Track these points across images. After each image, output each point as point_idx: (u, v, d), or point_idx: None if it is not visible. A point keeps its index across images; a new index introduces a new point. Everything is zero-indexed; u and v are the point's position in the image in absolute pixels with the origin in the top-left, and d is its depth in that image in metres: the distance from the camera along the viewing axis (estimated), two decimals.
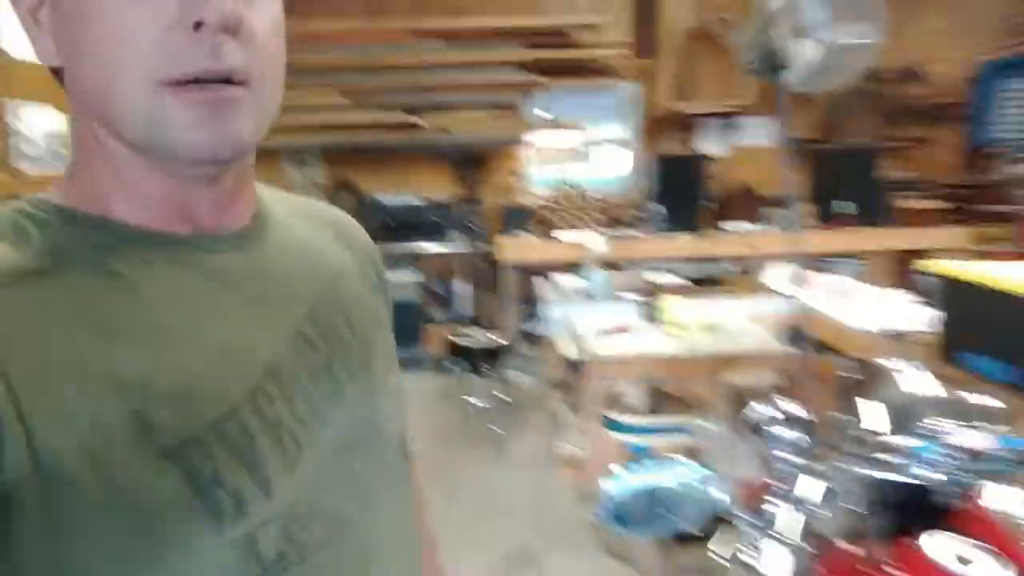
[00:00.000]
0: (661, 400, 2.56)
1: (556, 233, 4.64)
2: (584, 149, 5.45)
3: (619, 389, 2.59)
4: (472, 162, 5.12)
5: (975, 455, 1.03)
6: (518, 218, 4.88)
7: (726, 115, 5.12)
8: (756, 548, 0.80)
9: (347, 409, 0.56)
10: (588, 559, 2.50)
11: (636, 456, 0.94)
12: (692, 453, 1.11)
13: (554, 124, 4.94)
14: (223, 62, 0.44)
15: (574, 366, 2.40)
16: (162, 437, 0.43)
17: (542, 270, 4.23)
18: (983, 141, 4.57)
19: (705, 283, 4.53)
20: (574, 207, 4.80)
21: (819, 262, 4.74)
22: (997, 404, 1.23)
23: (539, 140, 5.27)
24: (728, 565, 0.81)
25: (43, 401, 0.40)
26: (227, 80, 0.45)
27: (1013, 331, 1.82)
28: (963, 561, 0.87)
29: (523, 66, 4.61)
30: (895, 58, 4.93)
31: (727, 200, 4.93)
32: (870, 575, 0.93)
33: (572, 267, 4.17)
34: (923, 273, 2.21)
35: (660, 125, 5.08)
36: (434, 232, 4.74)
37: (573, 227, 4.73)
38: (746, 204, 4.92)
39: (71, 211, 0.49)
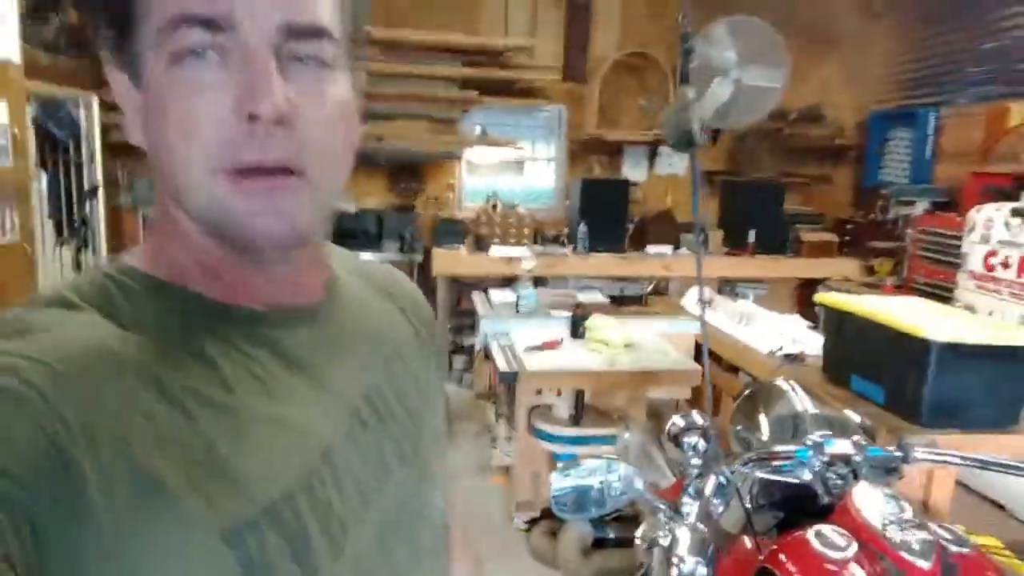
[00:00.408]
0: (586, 412, 2.77)
1: (489, 247, 4.83)
2: (516, 166, 5.67)
3: (548, 401, 2.79)
4: (407, 173, 5.24)
5: (846, 461, 1.27)
6: (452, 231, 5.04)
7: (647, 143, 5.45)
8: (672, 535, 0.98)
9: (393, 493, 0.56)
10: (516, 564, 2.64)
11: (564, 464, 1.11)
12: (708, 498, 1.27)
13: (488, 140, 5.13)
14: (274, 154, 0.46)
15: (506, 378, 2.58)
16: (222, 519, 0.44)
17: (475, 283, 4.40)
18: (873, 182, 5.06)
19: (625, 301, 4.82)
20: (506, 222, 5.00)
21: (727, 286, 5.14)
22: (866, 420, 1.50)
23: (473, 155, 5.45)
24: (645, 547, 1.00)
25: (118, 465, 0.40)
26: (282, 169, 0.47)
27: (883, 357, 2.12)
28: (836, 549, 1.07)
29: (460, 82, 4.78)
30: (798, 101, 5.40)
31: (648, 223, 5.25)
32: (760, 563, 1.14)
33: (504, 281, 4.37)
34: (819, 303, 2.51)
35: (586, 148, 5.35)
36: (368, 241, 4.81)
37: (504, 242, 4.94)
38: (665, 228, 5.26)
39: (155, 281, 0.50)
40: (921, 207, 4.50)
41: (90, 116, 3.64)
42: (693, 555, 0.96)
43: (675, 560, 0.95)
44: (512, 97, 5.03)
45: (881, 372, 2.15)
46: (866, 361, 2.22)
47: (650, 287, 5.05)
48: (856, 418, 1.48)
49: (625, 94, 5.40)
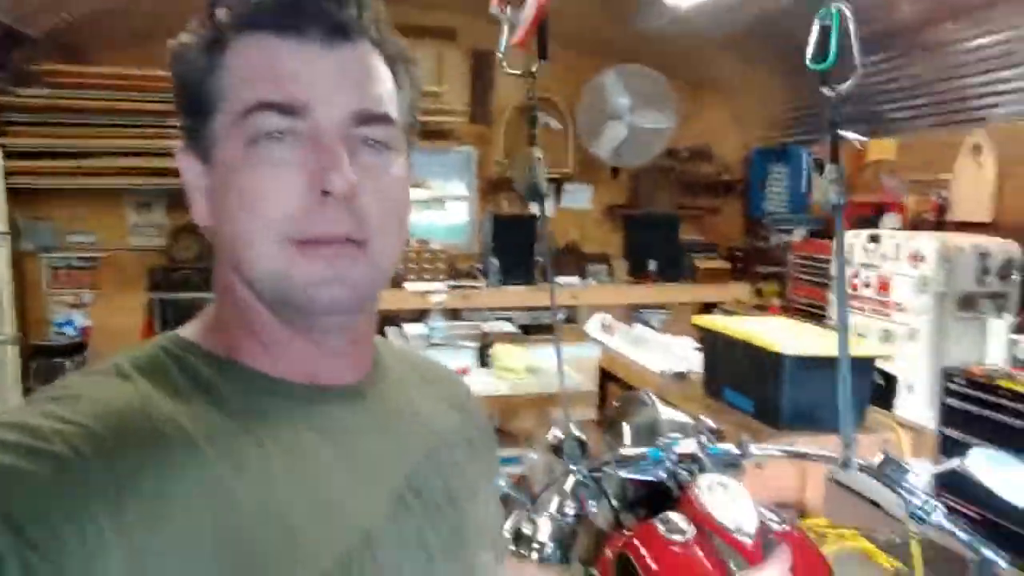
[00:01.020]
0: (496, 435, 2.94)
1: (404, 283, 4.98)
2: (434, 204, 5.86)
3: None
4: None
5: (693, 459, 1.48)
6: None
7: (552, 180, 5.75)
8: (534, 525, 1.16)
9: None
10: None
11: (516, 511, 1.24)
12: (523, 479, 1.42)
13: None
14: (341, 228, 0.49)
15: None
16: None
17: (391, 318, 4.54)
18: (757, 213, 5.51)
19: (537, 330, 5.05)
20: (420, 258, 5.17)
21: (633, 312, 5.45)
22: (714, 423, 1.73)
23: None
24: (512, 537, 1.17)
25: (147, 541, 0.40)
26: (346, 239, 0.50)
27: (748, 371, 2.39)
28: (679, 532, 1.27)
29: None
30: (689, 140, 5.83)
31: (556, 256, 5.53)
32: (619, 550, 1.33)
33: (419, 315, 4.52)
34: (695, 325, 2.78)
35: (495, 186, 5.60)
36: None
37: (420, 277, 5.10)
38: (572, 260, 5.55)
39: (206, 353, 0.52)
40: (799, 234, 4.94)
41: None
42: (551, 540, 1.14)
43: (536, 546, 1.13)
44: (423, 139, 5.22)
45: (748, 384, 2.42)
46: (735, 375, 2.50)
47: (561, 315, 5.31)
48: (708, 422, 1.71)
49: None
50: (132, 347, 0.52)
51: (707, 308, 5.26)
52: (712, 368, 2.66)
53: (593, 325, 4.08)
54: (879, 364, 3.69)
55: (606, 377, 3.42)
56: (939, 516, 1.32)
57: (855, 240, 3.83)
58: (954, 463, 1.39)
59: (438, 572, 0.55)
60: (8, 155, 4.04)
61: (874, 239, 3.72)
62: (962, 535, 1.29)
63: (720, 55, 4.95)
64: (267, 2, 0.49)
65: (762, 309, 4.98)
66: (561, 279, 5.31)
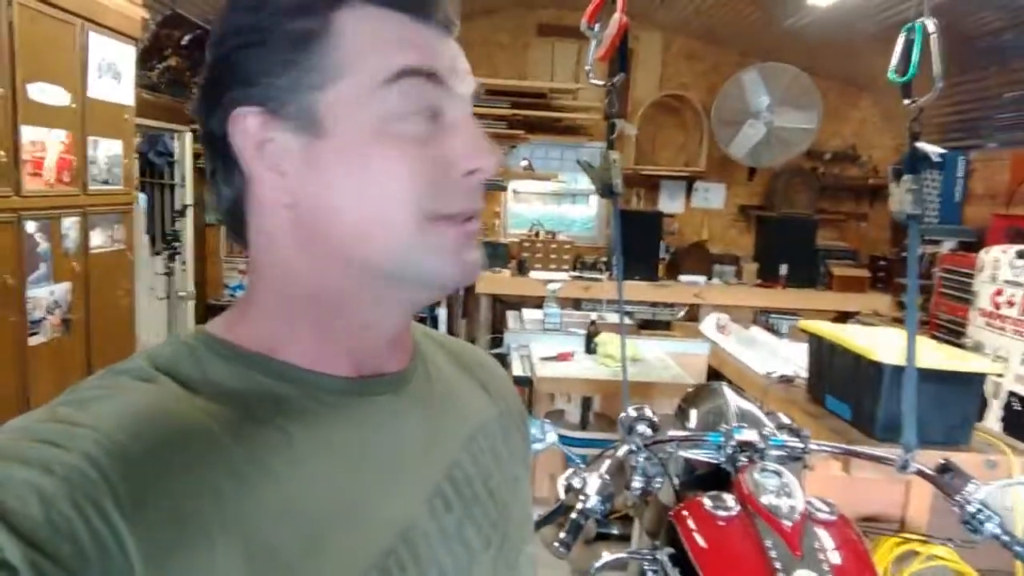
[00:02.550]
0: (596, 419, 3.09)
1: (529, 271, 5.22)
2: (563, 197, 6.06)
3: (560, 407, 3.13)
4: None
5: (754, 448, 1.56)
6: (496, 254, 5.44)
7: (684, 178, 5.75)
8: (584, 480, 1.32)
9: None
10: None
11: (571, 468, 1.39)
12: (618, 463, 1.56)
13: (533, 174, 5.54)
14: (478, 204, 0.50)
15: (520, 381, 2.94)
16: None
17: (516, 303, 4.79)
18: None
19: (655, 325, 5.11)
20: (547, 248, 5.39)
21: (761, 316, 5.35)
22: (797, 424, 1.78)
23: (520, 186, 5.87)
24: (564, 487, 1.33)
25: (171, 547, 0.38)
26: (475, 218, 0.50)
27: (848, 378, 2.38)
28: (724, 509, 1.38)
29: (508, 121, 5.21)
30: (836, 141, 5.60)
31: (682, 254, 5.53)
32: (669, 519, 1.45)
33: (541, 302, 4.73)
34: (802, 331, 2.77)
35: (626, 181, 5.68)
36: None
37: (545, 267, 5.32)
38: (699, 259, 5.53)
39: (241, 349, 0.48)
40: (948, 246, 4.64)
41: (183, 146, 4.23)
42: (596, 494, 1.29)
43: (582, 498, 1.29)
44: (557, 135, 5.43)
45: (847, 392, 2.40)
46: (837, 382, 2.48)
47: (682, 313, 5.33)
48: (783, 418, 1.77)
49: (662, 132, 5.74)
50: (158, 345, 0.49)
51: (843, 317, 5.06)
52: (816, 373, 2.65)
53: (708, 324, 4.09)
54: (1021, 391, 3.45)
55: (715, 376, 3.46)
56: (994, 527, 1.33)
57: (1002, 255, 3.58)
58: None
59: (479, 567, 0.54)
60: (197, 138, 4.68)
61: (1022, 255, 3.46)
62: (1019, 548, 1.30)
63: (873, 52, 4.72)
64: None
65: (902, 322, 4.73)
66: (685, 277, 5.31)
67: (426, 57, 0.47)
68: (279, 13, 0.47)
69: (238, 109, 0.47)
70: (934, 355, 2.30)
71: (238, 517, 0.41)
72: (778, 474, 1.45)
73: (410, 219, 0.47)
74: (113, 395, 0.43)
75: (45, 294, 2.37)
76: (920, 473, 1.45)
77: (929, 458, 1.54)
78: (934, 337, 3.88)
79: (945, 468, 1.42)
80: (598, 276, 5.11)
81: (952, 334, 4.14)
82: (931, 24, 1.31)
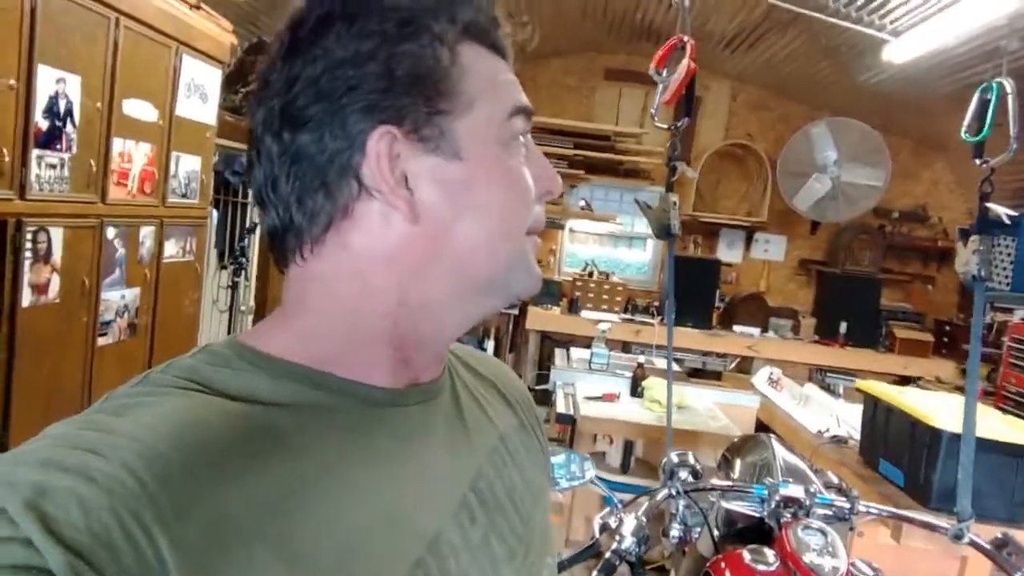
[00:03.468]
0: (637, 464, 3.05)
1: (580, 310, 5.22)
2: (614, 239, 6.06)
3: (601, 449, 3.09)
4: None
5: (799, 504, 1.52)
6: (549, 292, 5.46)
7: (744, 227, 5.69)
8: (620, 520, 1.31)
9: None
10: None
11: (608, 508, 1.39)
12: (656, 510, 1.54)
13: (591, 214, 5.57)
14: (545, 222, 0.57)
15: (562, 419, 2.92)
16: None
17: (565, 341, 4.78)
18: None
19: (704, 374, 5.02)
20: (600, 289, 5.38)
21: (816, 373, 5.21)
22: (845, 483, 1.73)
23: (577, 225, 5.90)
24: (599, 525, 1.32)
25: (210, 560, 0.39)
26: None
27: (904, 443, 2.29)
28: (764, 564, 1.35)
29: (569, 160, 5.28)
30: (905, 200, 5.47)
31: (737, 303, 5.45)
32: (705, 570, 1.42)
33: (589, 342, 4.72)
34: (859, 390, 2.69)
35: (684, 227, 5.66)
36: None
37: (597, 307, 5.31)
38: (754, 310, 5.44)
39: (266, 357, 0.49)
40: (1020, 315, 4.45)
41: None
42: (631, 535, 1.28)
43: (617, 538, 1.28)
44: (617, 177, 5.46)
45: (902, 457, 2.31)
46: (891, 446, 2.39)
47: (733, 364, 5.23)
48: (832, 477, 1.72)
49: (725, 180, 5.71)
50: (192, 353, 0.50)
51: (903, 382, 4.88)
52: (870, 436, 2.56)
53: (760, 377, 4.01)
54: None
55: (764, 431, 3.37)
56: None
57: None
58: None
59: None
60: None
61: None
62: None
63: (948, 113, 4.63)
64: (483, 20, 0.53)
65: (964, 391, 4.52)
66: (739, 328, 5.22)
67: (525, 97, 0.54)
68: (409, 40, 0.49)
69: (380, 127, 0.48)
70: (998, 426, 2.20)
71: (277, 528, 0.41)
72: (822, 533, 1.41)
73: (522, 233, 0.53)
74: (150, 403, 0.44)
75: (116, 297, 2.49)
76: (974, 545, 1.38)
77: (986, 532, 1.47)
78: (1000, 409, 3.70)
79: (1003, 543, 1.35)
80: (649, 320, 5.07)
81: (1021, 407, 3.95)
82: (1008, 84, 1.30)
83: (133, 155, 2.51)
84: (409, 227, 0.49)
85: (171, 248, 2.85)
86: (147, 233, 2.66)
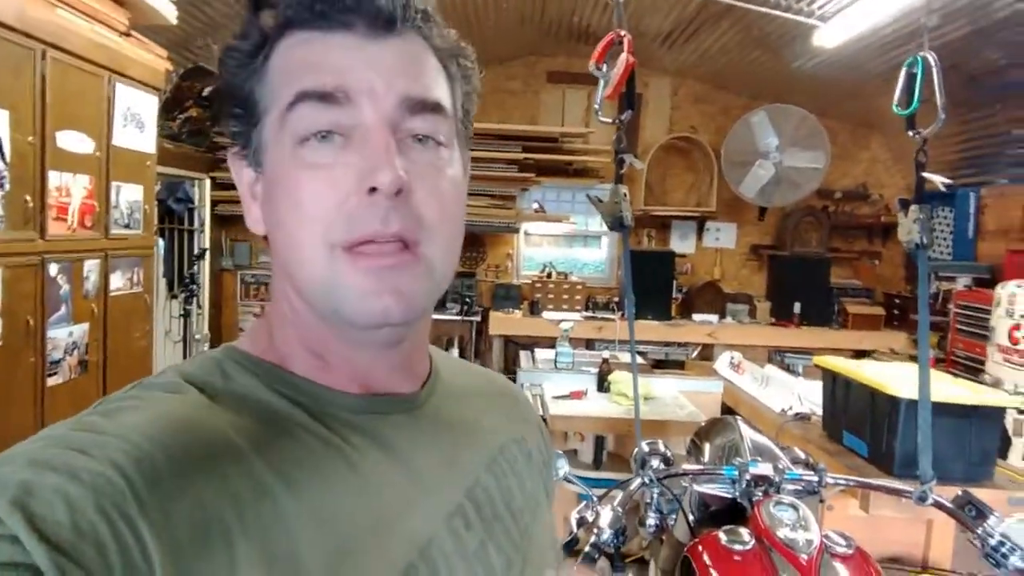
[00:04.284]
0: (609, 459, 3.06)
1: (542, 312, 5.24)
2: (574, 238, 6.10)
3: (573, 447, 3.10)
4: (470, 243, 5.76)
5: (769, 482, 1.55)
6: (509, 296, 5.47)
7: (694, 218, 5.78)
8: (597, 513, 1.31)
9: None
10: None
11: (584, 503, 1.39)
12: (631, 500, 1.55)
13: (545, 216, 5.60)
14: (391, 227, 0.45)
15: None
16: None
17: (529, 344, 4.79)
18: None
19: (668, 365, 5.09)
20: (559, 289, 5.41)
21: (775, 355, 5.32)
22: (804, 455, 1.77)
23: (531, 228, 5.93)
24: (576, 520, 1.32)
25: (194, 557, 0.39)
26: (397, 243, 0.46)
27: (864, 413, 2.35)
28: (740, 543, 1.36)
29: (519, 164, 5.30)
30: (846, 180, 5.64)
31: (695, 293, 5.54)
32: (684, 554, 1.43)
33: (555, 342, 4.74)
34: (817, 366, 2.75)
35: (637, 222, 5.73)
36: None
37: (557, 308, 5.33)
38: (711, 298, 5.53)
39: (257, 363, 0.50)
40: (963, 283, 4.61)
41: (202, 193, 4.33)
42: (609, 527, 1.29)
43: (595, 531, 1.28)
44: (568, 177, 5.51)
45: (863, 428, 2.37)
46: (853, 418, 2.45)
47: (695, 353, 5.31)
48: (799, 452, 1.76)
49: (672, 173, 5.80)
50: (188, 359, 0.51)
51: (858, 356, 5.01)
52: (831, 410, 2.62)
53: (722, 362, 4.07)
54: None
55: (729, 413, 3.43)
56: (1018, 560, 1.30)
57: (1018, 290, 3.56)
58: None
59: None
60: (218, 186, 4.80)
61: None
62: None
63: (882, 93, 4.79)
64: None
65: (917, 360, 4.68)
66: (698, 316, 5.31)
67: (327, 77, 0.46)
68: (236, 58, 0.49)
69: (229, 150, 0.52)
70: (952, 389, 2.28)
71: (258, 525, 0.42)
72: (794, 508, 1.44)
73: (322, 250, 0.46)
74: (140, 406, 0.44)
75: (64, 335, 2.41)
76: (938, 505, 1.43)
77: (948, 493, 1.52)
78: (952, 374, 3.83)
79: (964, 501, 1.40)
80: (610, 316, 5.11)
81: (970, 371, 4.09)
82: (932, 58, 1.35)
83: (71, 188, 2.43)
84: (264, 234, 0.51)
85: (118, 280, 2.77)
86: (92, 267, 2.59)
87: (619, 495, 1.37)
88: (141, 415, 0.43)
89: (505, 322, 5.19)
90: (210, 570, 0.39)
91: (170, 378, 0.48)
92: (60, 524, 0.36)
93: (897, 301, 5.46)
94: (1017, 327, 3.53)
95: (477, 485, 0.55)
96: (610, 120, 1.47)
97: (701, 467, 1.52)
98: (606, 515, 1.30)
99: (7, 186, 2.11)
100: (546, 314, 5.20)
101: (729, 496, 1.56)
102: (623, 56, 1.34)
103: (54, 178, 2.32)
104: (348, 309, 0.47)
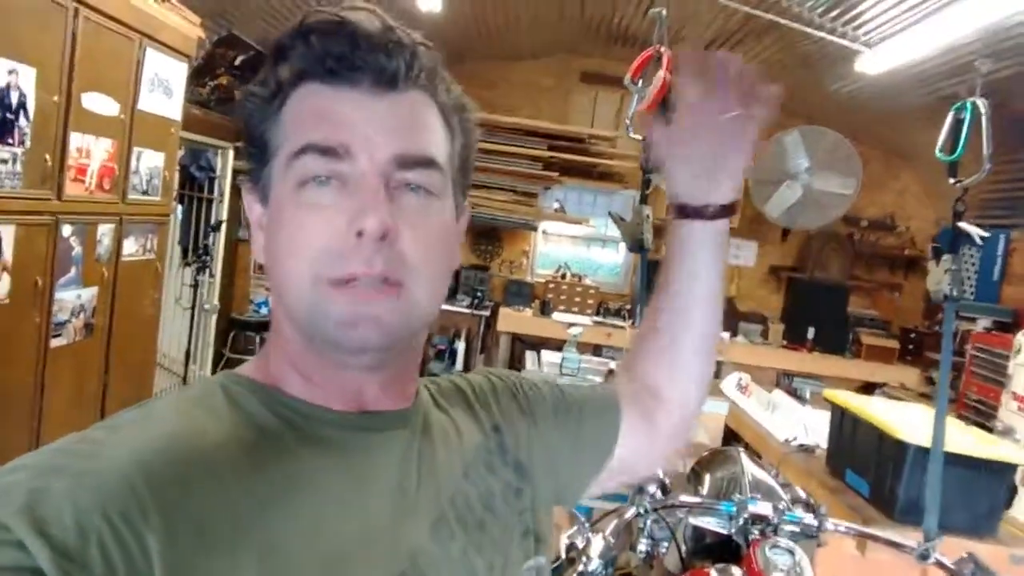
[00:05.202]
0: None
1: (552, 312, 5.20)
2: (588, 241, 6.05)
3: None
4: (487, 236, 5.72)
5: (767, 521, 1.51)
6: (521, 293, 5.43)
7: None
8: (587, 541, 1.28)
9: None
10: None
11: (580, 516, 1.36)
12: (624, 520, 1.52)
13: (564, 216, 5.55)
14: (375, 268, 0.49)
15: None
16: None
17: (536, 344, 4.75)
18: None
19: None
20: (572, 291, 5.37)
21: (784, 378, 5.25)
22: (805, 495, 1.72)
23: (550, 227, 5.88)
24: (566, 545, 1.29)
25: (194, 564, 0.41)
26: (382, 280, 0.49)
27: (869, 454, 2.30)
28: None
29: (544, 162, 5.25)
30: (873, 209, 5.54)
31: None
32: None
33: (560, 344, 4.70)
34: (826, 400, 2.70)
35: (656, 232, 5.67)
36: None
37: (569, 309, 5.29)
38: (725, 315, 5.46)
39: (256, 385, 0.54)
40: (983, 324, 4.52)
41: (225, 162, 4.32)
42: (599, 557, 1.25)
43: (584, 560, 1.25)
44: (592, 180, 5.45)
45: (868, 468, 2.32)
46: (858, 457, 2.40)
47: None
48: (800, 492, 1.71)
49: None
50: (188, 385, 0.60)
51: (869, 388, 4.94)
52: (836, 446, 2.57)
53: (729, 383, 4.02)
54: None
55: (732, 436, 3.38)
56: None
57: None
58: None
59: None
60: (240, 156, 4.78)
61: None
62: None
63: (918, 124, 4.70)
64: (321, 55, 0.51)
65: (928, 398, 4.60)
66: None
67: (325, 132, 0.51)
68: (254, 104, 0.54)
69: (243, 184, 0.57)
70: (963, 438, 2.22)
71: (257, 533, 0.44)
72: (790, 552, 1.40)
73: (309, 282, 0.50)
74: (144, 421, 0.48)
75: (72, 298, 2.41)
76: (940, 565, 1.38)
77: (951, 547, 1.47)
78: (962, 417, 3.76)
79: (968, 562, 1.35)
80: (620, 324, 5.06)
81: (981, 415, 4.01)
82: (982, 105, 1.29)
83: (92, 150, 2.42)
84: (264, 263, 0.56)
85: (131, 246, 2.76)
86: (105, 231, 2.58)
87: (612, 523, 1.33)
88: (146, 429, 0.47)
89: (514, 319, 5.15)
90: (209, 573, 0.42)
91: (173, 398, 0.53)
92: (66, 529, 0.38)
93: (913, 336, 5.37)
94: None
95: (458, 494, 0.59)
96: (641, 138, 1.42)
97: (699, 499, 1.48)
98: (597, 544, 1.26)
99: (28, 143, 2.09)
100: (556, 315, 5.16)
101: (725, 532, 1.52)
102: (660, 73, 1.30)
103: (76, 139, 2.31)
104: (330, 335, 0.51)
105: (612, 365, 3.43)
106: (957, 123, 1.33)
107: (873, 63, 3.82)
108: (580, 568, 1.23)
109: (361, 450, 0.54)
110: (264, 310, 5.35)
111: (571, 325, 4.43)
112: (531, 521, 0.65)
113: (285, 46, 0.53)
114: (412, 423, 0.58)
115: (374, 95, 0.52)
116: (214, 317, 4.25)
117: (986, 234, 1.34)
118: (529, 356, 4.13)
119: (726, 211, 0.72)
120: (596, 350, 4.88)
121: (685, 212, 0.72)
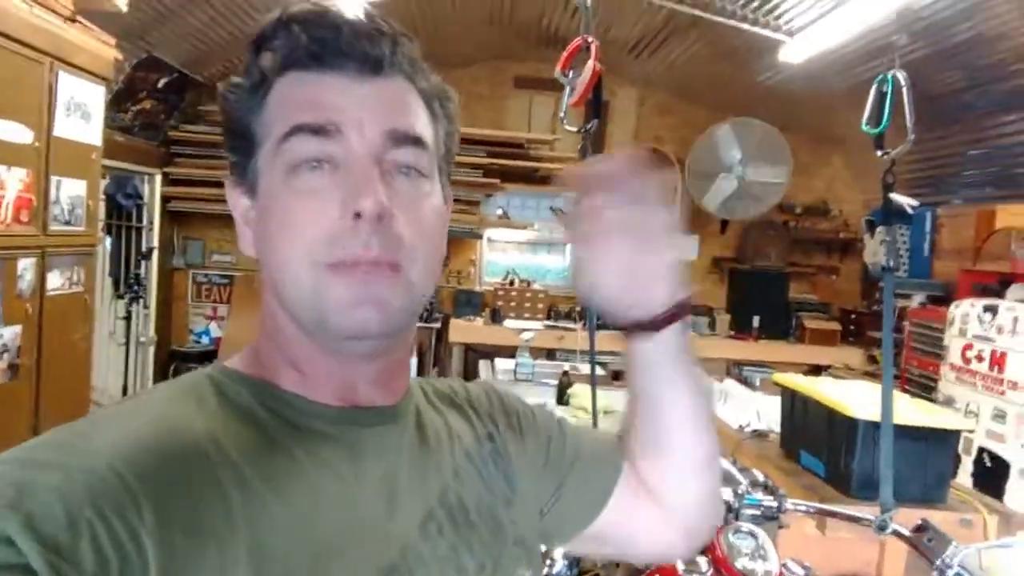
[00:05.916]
0: None
1: (504, 320, 5.17)
2: (534, 246, 6.06)
3: None
4: None
5: (728, 507, 1.51)
6: (470, 303, 5.39)
7: None
8: None
9: None
10: None
11: None
12: None
13: (509, 222, 5.54)
14: (372, 250, 0.49)
15: None
16: None
17: (490, 352, 4.72)
18: (876, 275, 5.27)
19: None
20: (522, 297, 5.35)
21: (734, 368, 5.34)
22: (763, 478, 1.73)
23: (495, 234, 5.86)
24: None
25: (186, 555, 0.41)
26: (379, 263, 0.49)
27: (822, 433, 2.34)
28: (697, 572, 1.33)
29: (484, 170, 5.24)
30: (806, 195, 5.70)
31: None
32: None
33: (513, 351, 4.67)
34: (775, 383, 2.74)
35: None
36: None
37: (520, 316, 5.28)
38: None
39: (245, 377, 0.53)
40: (918, 300, 4.68)
41: (153, 188, 4.17)
42: (563, 560, 1.23)
43: (548, 562, 1.22)
44: (533, 184, 5.46)
45: (821, 448, 2.36)
46: (811, 438, 2.43)
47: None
48: (758, 475, 1.72)
49: None
50: (178, 377, 0.55)
51: (815, 371, 5.06)
52: (789, 428, 2.60)
53: None
54: (991, 447, 3.44)
55: None
56: None
57: (971, 310, 3.61)
58: (1003, 542, 1.34)
59: None
60: (172, 182, 4.63)
61: (990, 310, 3.49)
62: None
63: (844, 109, 4.86)
64: (305, 42, 0.51)
65: (873, 376, 4.74)
66: None
67: (314, 113, 0.50)
68: (237, 95, 0.54)
69: (227, 178, 0.57)
70: (910, 410, 2.27)
71: (247, 525, 0.44)
72: (753, 535, 1.40)
73: (306, 268, 0.50)
74: (133, 413, 0.48)
75: None
76: (898, 535, 1.40)
77: (906, 517, 1.50)
78: (905, 391, 3.87)
79: (923, 529, 1.37)
80: (571, 326, 5.07)
81: (923, 388, 4.15)
82: (902, 77, 1.32)
83: (6, 181, 2.29)
84: (255, 256, 0.55)
85: (56, 280, 2.62)
86: (27, 265, 2.44)
87: None
88: (135, 421, 0.47)
89: (466, 330, 5.11)
90: (202, 568, 0.41)
91: (162, 390, 0.52)
92: (57, 523, 0.38)
93: (853, 317, 5.53)
94: (969, 347, 3.59)
95: (448, 492, 0.58)
96: (576, 128, 1.41)
97: None
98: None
99: None
100: (508, 322, 5.14)
101: None
102: (590, 63, 1.29)
103: None
104: (331, 320, 0.50)
105: (566, 367, 3.42)
106: (880, 96, 1.36)
107: (795, 51, 3.93)
108: (544, 570, 1.20)
109: (352, 444, 0.53)
110: (205, 340, 5.19)
111: (523, 331, 4.42)
112: (525, 531, 0.64)
113: (267, 36, 0.52)
114: (403, 419, 0.58)
115: (360, 80, 0.52)
116: (151, 349, 4.08)
117: (915, 203, 1.37)
118: (483, 365, 4.10)
119: (674, 314, 0.61)
120: (550, 354, 4.88)
121: (632, 332, 0.63)
